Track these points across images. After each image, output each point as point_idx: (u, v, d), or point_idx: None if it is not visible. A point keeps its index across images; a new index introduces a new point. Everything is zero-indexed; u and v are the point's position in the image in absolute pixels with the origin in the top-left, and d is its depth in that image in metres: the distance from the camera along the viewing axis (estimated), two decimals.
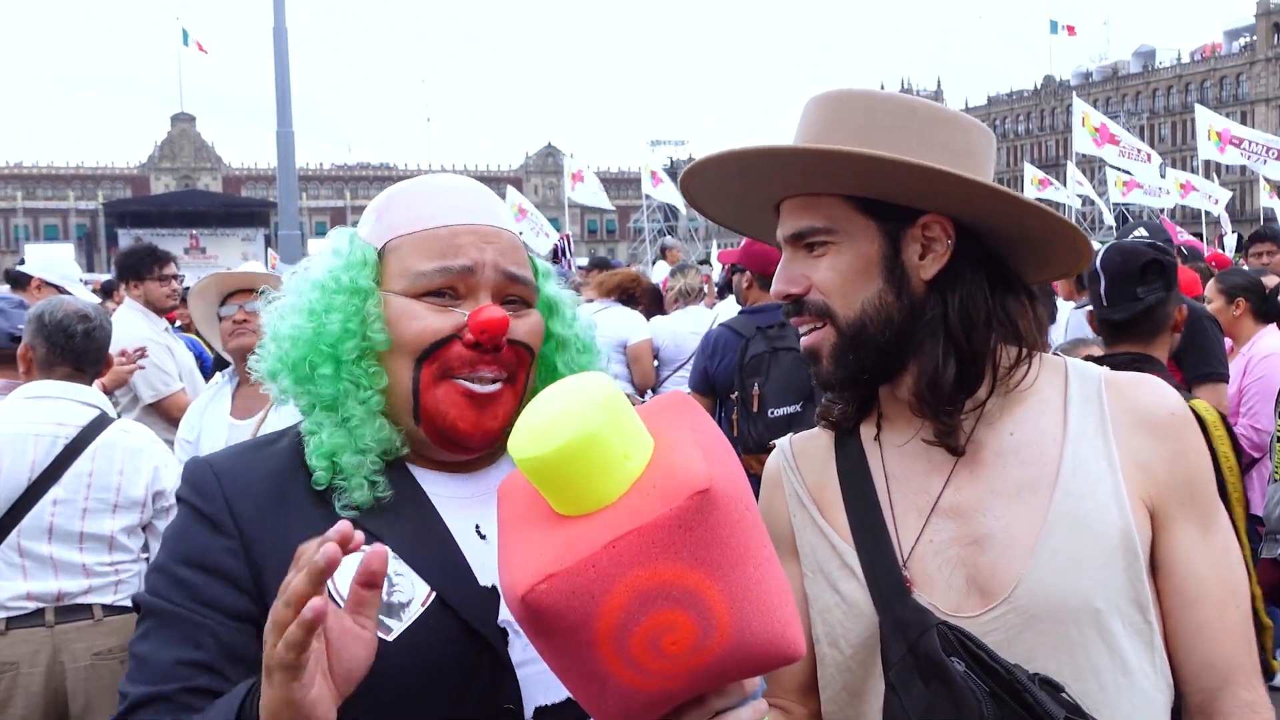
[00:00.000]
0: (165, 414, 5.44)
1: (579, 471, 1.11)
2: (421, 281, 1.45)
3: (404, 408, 1.45)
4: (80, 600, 3.61)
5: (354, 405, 1.43)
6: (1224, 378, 4.35)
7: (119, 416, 4.19)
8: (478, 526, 1.46)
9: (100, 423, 3.75)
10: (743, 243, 5.50)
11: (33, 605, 3.54)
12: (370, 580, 1.14)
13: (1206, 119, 18.66)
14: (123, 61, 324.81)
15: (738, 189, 1.60)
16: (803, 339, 1.57)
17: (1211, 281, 5.67)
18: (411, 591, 1.36)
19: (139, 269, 5.96)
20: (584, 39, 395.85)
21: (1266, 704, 1.50)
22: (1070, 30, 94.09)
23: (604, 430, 1.11)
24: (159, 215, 57.65)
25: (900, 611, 1.46)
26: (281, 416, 4.04)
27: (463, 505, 1.46)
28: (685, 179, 1.61)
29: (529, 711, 1.38)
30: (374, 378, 1.45)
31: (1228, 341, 5.27)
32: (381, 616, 1.31)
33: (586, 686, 1.14)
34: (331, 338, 1.43)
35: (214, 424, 4.26)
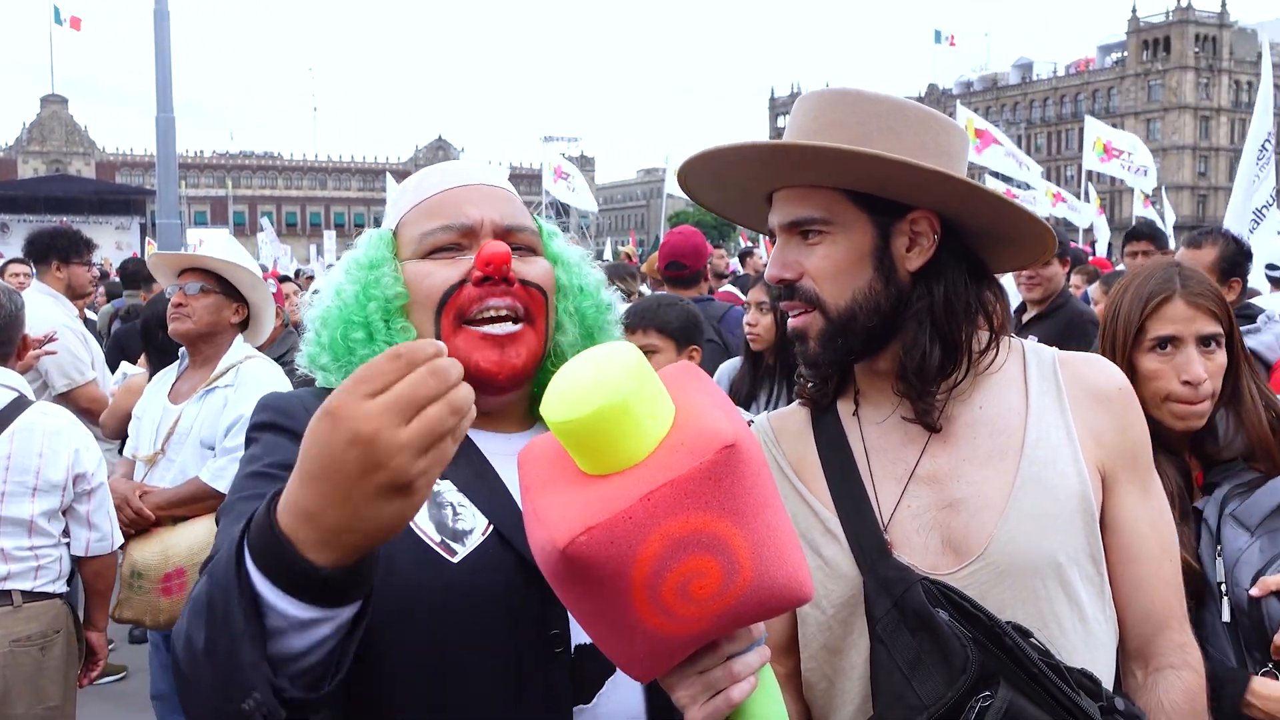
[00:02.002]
0: (75, 404, 5.21)
1: (612, 433, 1.19)
2: (428, 241, 1.57)
3: None
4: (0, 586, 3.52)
5: None
6: None
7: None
8: None
9: (18, 405, 3.66)
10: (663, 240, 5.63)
11: None
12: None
13: (1095, 130, 19.52)
14: None
15: (734, 179, 1.70)
16: (791, 320, 1.68)
17: (1097, 283, 5.98)
18: (473, 521, 1.45)
19: (67, 252, 5.78)
20: (476, 32, 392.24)
21: (1194, 645, 1.68)
22: (952, 41, 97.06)
23: (634, 395, 1.19)
24: (26, 200, 54.89)
25: (884, 570, 1.57)
26: (210, 405, 3.98)
27: (508, 461, 1.51)
28: (685, 168, 1.71)
29: (572, 647, 1.46)
30: (404, 334, 1.54)
31: None
32: (448, 540, 1.42)
33: (616, 634, 1.23)
34: (355, 306, 1.53)
35: (153, 404, 4.20)
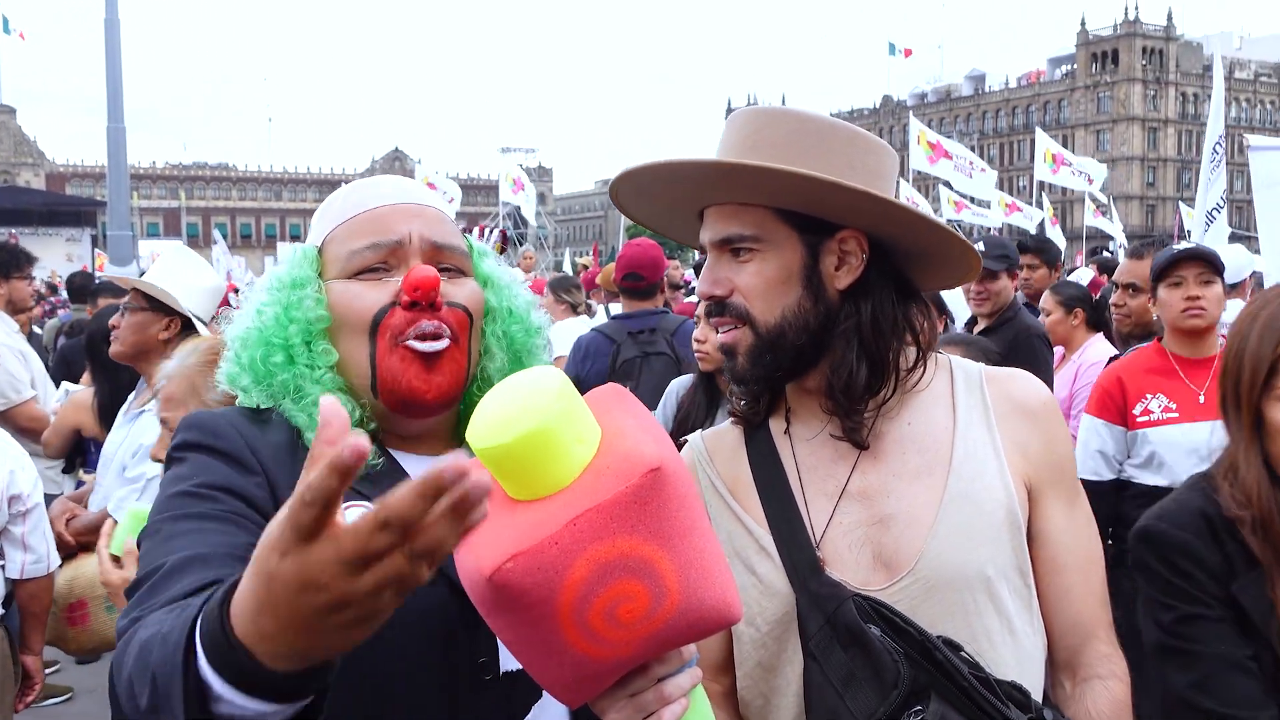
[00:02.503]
0: (13, 423, 5.12)
1: (537, 458, 1.19)
2: (355, 260, 1.53)
3: (363, 383, 1.51)
4: None
5: (311, 386, 1.48)
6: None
7: None
8: None
9: None
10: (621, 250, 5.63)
11: None
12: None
13: (1044, 143, 19.91)
14: None
15: (666, 194, 1.71)
16: (720, 336, 1.68)
17: (1048, 293, 6.01)
18: None
19: (7, 267, 5.65)
20: (432, 42, 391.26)
21: (1120, 655, 1.70)
22: (907, 53, 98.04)
23: (560, 419, 1.20)
24: None
25: (816, 587, 1.58)
26: (135, 429, 3.88)
27: None
28: (617, 183, 1.71)
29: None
30: (324, 356, 1.51)
31: (1059, 350, 5.63)
32: None
33: (545, 659, 1.22)
34: (275, 328, 1.50)
35: (119, 422, 4.10)
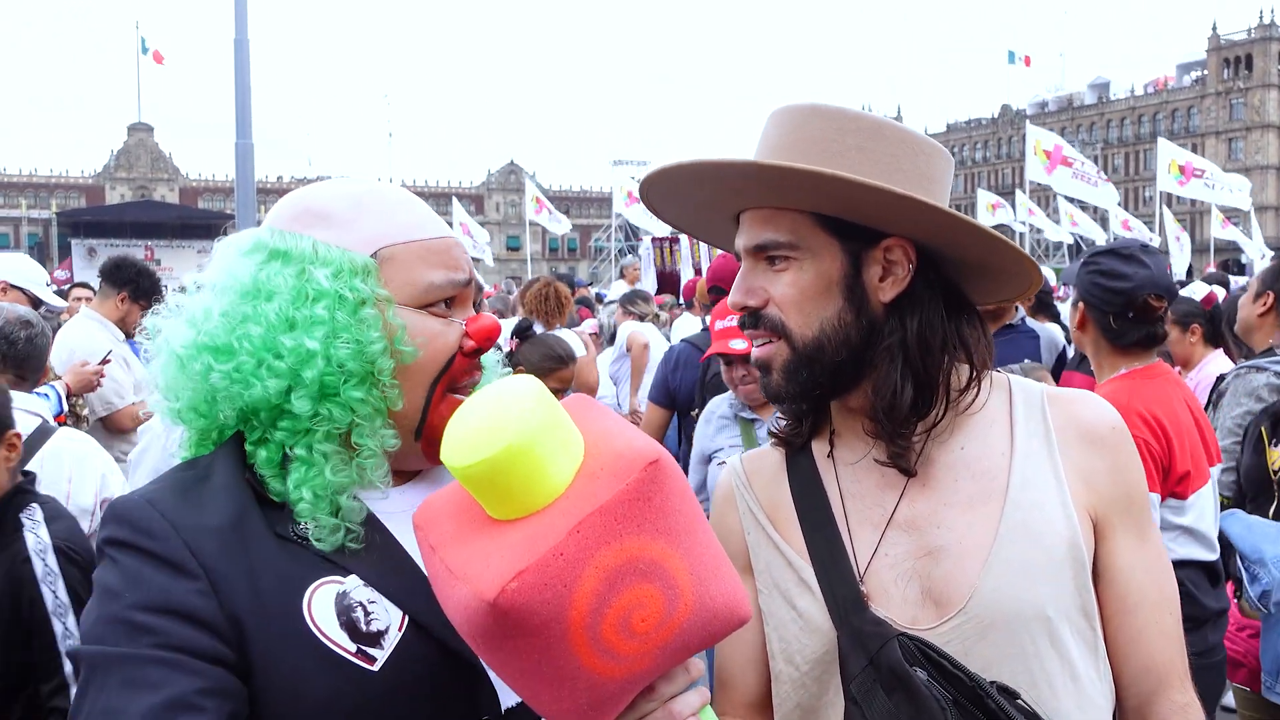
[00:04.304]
0: (117, 425, 5.35)
1: (524, 470, 1.11)
2: (434, 293, 1.41)
3: (406, 426, 1.40)
4: None
5: (367, 436, 1.36)
6: None
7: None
8: None
9: (44, 431, 3.69)
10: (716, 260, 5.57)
11: None
12: None
13: (1169, 152, 19.12)
14: (80, 72, 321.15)
15: (700, 196, 1.60)
16: (755, 350, 1.57)
17: (1069, 304, 5.76)
18: (387, 618, 1.32)
19: (148, 293, 5.68)
20: (548, 57, 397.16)
21: (1198, 706, 1.54)
22: (1027, 61, 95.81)
23: (544, 427, 1.13)
24: (114, 225, 56.65)
25: (859, 624, 1.46)
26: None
27: (405, 520, 1.37)
28: (647, 183, 1.60)
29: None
30: (394, 399, 1.38)
31: (1176, 368, 5.36)
32: (364, 647, 1.29)
33: (553, 688, 1.13)
34: (365, 355, 1.35)
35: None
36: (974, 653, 1.43)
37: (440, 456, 1.17)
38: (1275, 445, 3.63)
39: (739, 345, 3.87)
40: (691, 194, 1.60)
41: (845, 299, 1.50)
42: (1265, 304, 4.21)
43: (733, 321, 4.22)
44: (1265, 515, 3.53)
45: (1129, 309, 3.24)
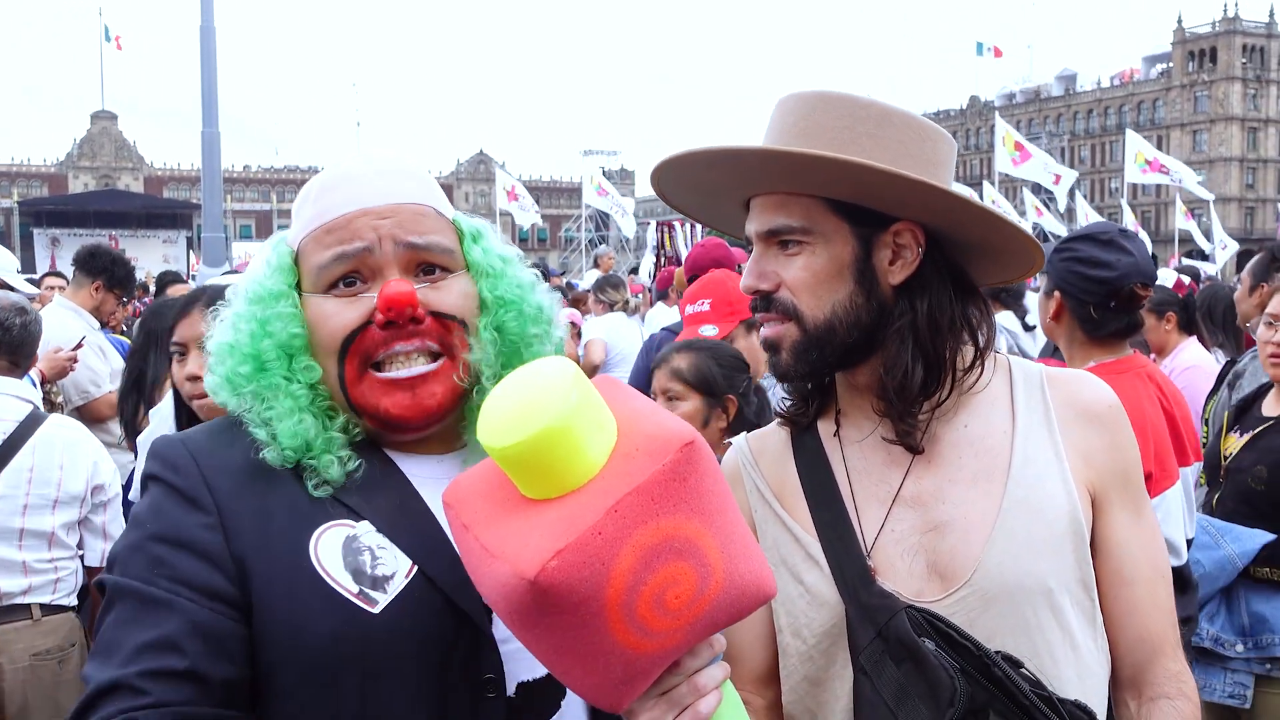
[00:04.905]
0: (93, 413, 5.36)
1: (561, 451, 1.15)
2: (325, 274, 1.45)
3: (342, 404, 1.46)
4: (19, 600, 3.56)
5: (282, 400, 1.42)
6: None
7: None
8: None
9: (35, 418, 3.70)
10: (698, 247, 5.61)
11: None
12: None
13: (1137, 144, 19.40)
14: (42, 58, 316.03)
15: (710, 182, 1.64)
16: (765, 330, 1.62)
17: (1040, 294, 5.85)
18: (395, 565, 1.35)
19: (122, 283, 5.84)
20: (517, 46, 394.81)
21: (1189, 673, 1.62)
22: (996, 52, 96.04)
23: (579, 408, 1.16)
24: (77, 215, 55.64)
25: (866, 598, 1.52)
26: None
27: (438, 486, 1.40)
28: (659, 169, 1.63)
29: (511, 687, 1.39)
30: (306, 372, 1.44)
31: (1150, 355, 5.46)
32: (366, 589, 1.33)
33: (587, 663, 1.16)
34: (249, 343, 1.44)
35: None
36: (978, 624, 1.49)
37: (477, 437, 1.19)
38: (1231, 433, 3.72)
39: (709, 331, 3.90)
40: (702, 180, 1.64)
41: (856, 282, 1.55)
42: (1261, 296, 4.28)
43: (703, 307, 4.23)
44: (1213, 500, 3.60)
45: (1112, 298, 3.10)
